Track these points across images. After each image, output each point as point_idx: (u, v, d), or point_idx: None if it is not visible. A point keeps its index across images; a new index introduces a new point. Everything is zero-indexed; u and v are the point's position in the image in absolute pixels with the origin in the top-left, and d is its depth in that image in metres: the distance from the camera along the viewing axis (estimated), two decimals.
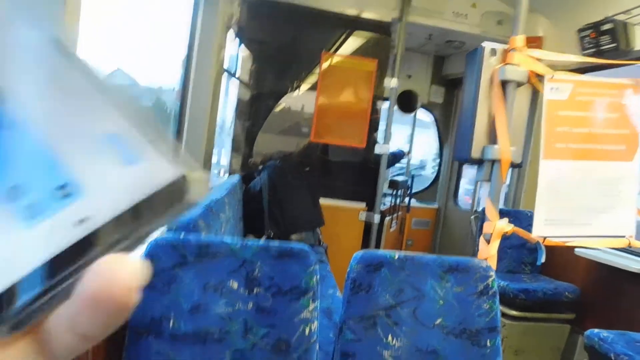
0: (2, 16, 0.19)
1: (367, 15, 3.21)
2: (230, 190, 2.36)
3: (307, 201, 3.02)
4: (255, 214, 2.86)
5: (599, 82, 1.57)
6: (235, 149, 3.40)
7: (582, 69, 2.47)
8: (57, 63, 0.19)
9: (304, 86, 3.71)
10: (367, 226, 3.24)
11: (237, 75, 3.40)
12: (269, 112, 3.70)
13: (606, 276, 2.56)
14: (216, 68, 2.66)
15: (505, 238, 1.63)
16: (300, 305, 1.21)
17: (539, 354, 2.70)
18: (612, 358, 1.92)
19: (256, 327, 1.19)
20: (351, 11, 3.19)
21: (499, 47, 1.58)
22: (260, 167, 3.15)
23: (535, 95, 1.68)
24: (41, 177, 0.18)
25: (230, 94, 3.59)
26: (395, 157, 3.90)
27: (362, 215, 3.28)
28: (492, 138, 1.58)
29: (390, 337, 1.30)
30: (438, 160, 4.65)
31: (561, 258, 2.76)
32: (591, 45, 2.59)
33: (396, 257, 1.34)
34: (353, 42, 3.64)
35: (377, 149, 3.03)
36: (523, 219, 2.73)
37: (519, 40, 1.55)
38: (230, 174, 3.32)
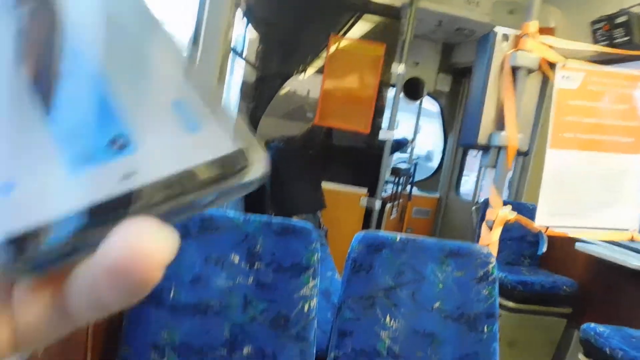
0: None
1: None
2: None
3: (309, 184, 3.02)
4: (257, 194, 2.86)
5: (612, 73, 1.55)
6: None
7: (593, 62, 2.44)
8: (140, 24, 0.19)
9: (310, 69, 3.68)
10: (368, 212, 3.23)
11: (243, 56, 3.38)
12: (274, 95, 3.68)
13: (605, 272, 2.56)
14: (224, 47, 2.63)
15: (506, 230, 1.62)
16: (300, 282, 1.21)
17: (533, 346, 2.71)
18: (607, 352, 1.93)
19: (256, 302, 1.19)
20: None
21: (512, 32, 1.56)
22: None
23: (545, 84, 1.66)
24: (99, 125, 0.18)
25: (235, 75, 3.56)
26: (399, 144, 3.87)
27: (364, 201, 3.28)
28: (500, 124, 1.56)
29: (388, 318, 1.30)
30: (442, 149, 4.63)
31: (561, 252, 2.75)
32: (604, 38, 2.55)
33: (397, 239, 1.34)
34: (362, 26, 3.60)
35: (382, 135, 3.01)
36: (525, 212, 2.71)
37: (532, 25, 1.53)
38: None
